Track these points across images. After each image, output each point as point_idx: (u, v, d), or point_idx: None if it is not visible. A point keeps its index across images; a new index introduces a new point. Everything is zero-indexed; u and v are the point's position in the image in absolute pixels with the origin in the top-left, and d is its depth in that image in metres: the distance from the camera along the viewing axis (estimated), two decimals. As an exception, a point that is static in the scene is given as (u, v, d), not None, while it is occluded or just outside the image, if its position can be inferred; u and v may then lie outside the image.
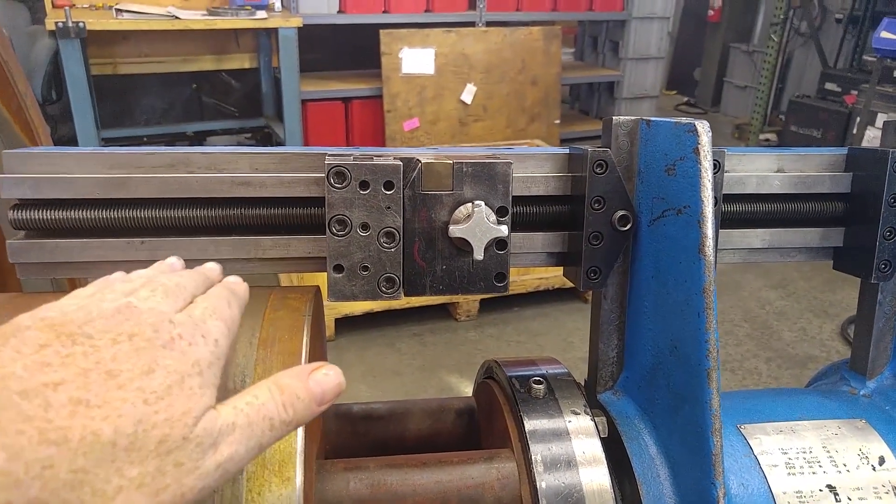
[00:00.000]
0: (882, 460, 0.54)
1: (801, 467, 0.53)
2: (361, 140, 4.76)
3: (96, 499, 0.28)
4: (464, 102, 4.99)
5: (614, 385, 0.59)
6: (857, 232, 0.63)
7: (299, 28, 3.99)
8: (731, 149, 0.63)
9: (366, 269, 0.49)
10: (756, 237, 0.63)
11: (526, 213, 0.58)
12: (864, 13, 5.41)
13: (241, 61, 4.51)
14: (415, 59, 4.68)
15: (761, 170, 0.62)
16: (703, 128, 0.50)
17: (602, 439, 0.51)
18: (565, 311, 3.10)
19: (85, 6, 3.71)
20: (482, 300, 3.00)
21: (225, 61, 4.44)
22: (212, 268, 0.46)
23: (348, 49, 5.12)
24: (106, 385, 0.30)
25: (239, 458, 0.33)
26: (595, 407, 0.57)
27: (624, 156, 0.57)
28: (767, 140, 5.68)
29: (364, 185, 0.48)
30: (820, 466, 0.53)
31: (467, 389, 2.55)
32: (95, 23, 3.26)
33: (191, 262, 0.60)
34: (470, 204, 0.49)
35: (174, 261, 0.46)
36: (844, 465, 0.53)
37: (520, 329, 2.96)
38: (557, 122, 5.43)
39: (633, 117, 0.57)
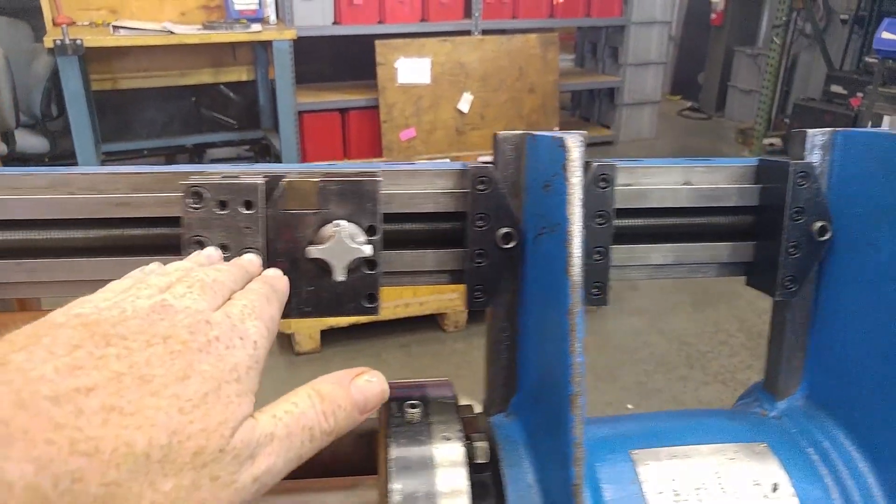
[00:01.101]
0: (776, 487, 0.51)
1: (688, 495, 0.51)
2: (358, 150, 4.77)
3: None
4: (460, 111, 4.99)
5: (507, 407, 0.58)
6: (765, 247, 0.60)
7: (296, 40, 4.02)
8: (637, 161, 0.61)
9: (227, 291, 0.48)
10: (660, 253, 0.61)
11: (417, 231, 0.56)
12: (869, 13, 5.34)
13: (239, 74, 4.56)
14: (410, 69, 4.69)
15: (666, 183, 0.60)
16: (573, 142, 0.49)
17: (478, 465, 0.50)
18: (557, 320, 3.07)
19: (85, 23, 3.77)
20: (472, 311, 2.97)
21: (223, 74, 4.49)
22: (251, 260, 0.44)
23: (346, 60, 5.15)
24: (139, 391, 0.28)
25: (277, 470, 0.32)
26: (484, 430, 0.55)
27: (511, 171, 0.56)
28: (772, 144, 5.61)
29: (222, 204, 0.47)
30: (708, 494, 0.51)
31: (454, 401, 2.53)
32: (93, 40, 3.32)
33: (74, 285, 0.59)
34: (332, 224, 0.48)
35: (212, 251, 0.44)
36: (735, 493, 0.51)
37: (510, 339, 2.93)
38: (556, 129, 5.41)
39: (519, 132, 0.55)
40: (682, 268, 0.63)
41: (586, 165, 0.55)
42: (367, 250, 0.47)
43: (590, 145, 5.29)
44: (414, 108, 4.82)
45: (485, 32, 4.94)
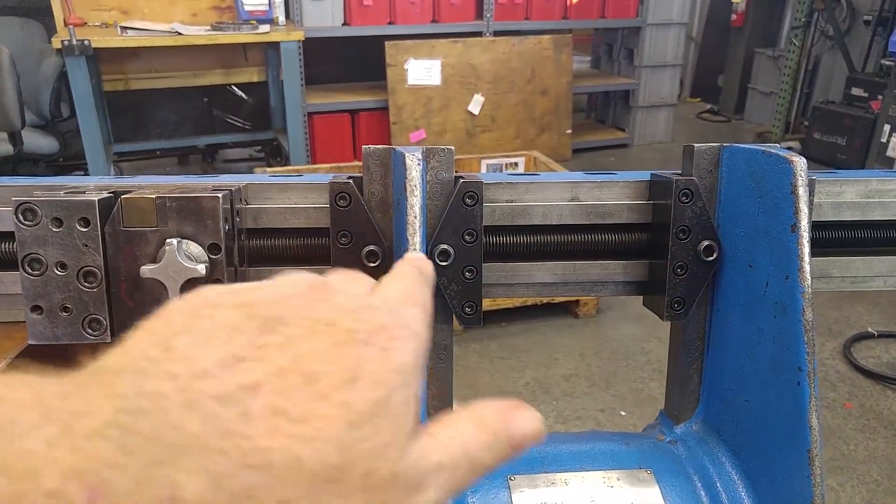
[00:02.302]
0: (640, 519, 0.49)
1: (548, 525, 0.49)
2: (368, 151, 4.79)
3: None
4: (471, 113, 4.97)
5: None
6: (656, 267, 0.58)
7: (306, 41, 4.05)
8: (521, 176, 0.59)
9: (67, 310, 0.47)
10: (547, 271, 0.59)
11: (286, 247, 0.55)
12: (893, 14, 5.17)
13: (251, 75, 4.60)
14: (421, 71, 4.69)
15: (551, 199, 0.58)
16: (412, 160, 0.47)
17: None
18: (554, 326, 3.03)
19: (96, 24, 3.85)
20: (468, 314, 2.95)
21: (234, 75, 4.54)
22: None
23: (356, 61, 5.17)
24: (306, 393, 0.24)
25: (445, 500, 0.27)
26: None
27: (378, 187, 0.54)
28: (790, 148, 5.45)
29: (57, 221, 0.46)
30: (569, 524, 0.49)
31: (442, 406, 2.51)
32: (101, 40, 3.38)
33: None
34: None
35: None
36: (597, 525, 0.49)
37: (504, 345, 2.90)
38: (569, 131, 5.35)
39: (384, 147, 0.54)
40: (574, 286, 0.60)
41: (455, 181, 0.53)
42: (201, 269, 0.46)
43: (604, 148, 5.16)
44: (424, 109, 4.81)
45: (497, 34, 4.91)
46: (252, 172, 3.82)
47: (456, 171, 0.54)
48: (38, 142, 3.38)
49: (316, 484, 0.23)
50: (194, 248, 0.48)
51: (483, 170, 3.98)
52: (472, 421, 0.30)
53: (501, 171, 4.04)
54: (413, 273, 0.34)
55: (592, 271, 0.59)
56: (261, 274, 0.54)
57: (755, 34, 6.62)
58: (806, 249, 0.46)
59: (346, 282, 0.30)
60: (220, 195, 0.48)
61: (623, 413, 2.54)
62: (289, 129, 4.10)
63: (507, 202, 0.57)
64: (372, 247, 0.53)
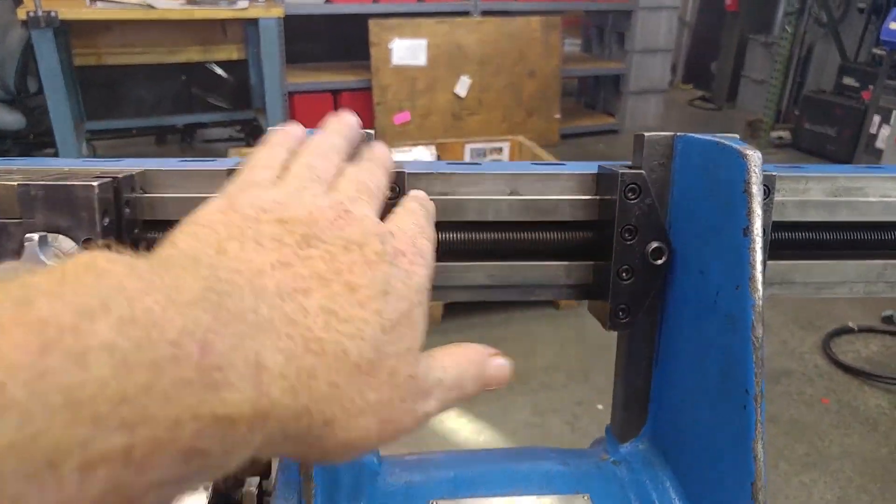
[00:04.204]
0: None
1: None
2: (351, 133, 4.69)
3: (343, 416, 0.27)
4: (458, 95, 4.88)
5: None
6: (600, 270, 0.52)
7: (287, 18, 3.93)
8: (456, 166, 0.53)
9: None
10: (482, 272, 0.53)
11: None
12: (887, 2, 5.10)
13: (230, 52, 4.48)
14: (406, 50, 4.59)
15: (488, 193, 0.52)
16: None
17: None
18: (534, 316, 2.99)
19: (67, -5, 3.70)
20: (447, 304, 2.90)
21: (212, 52, 4.41)
22: (387, 154, 0.42)
23: (339, 40, 5.05)
24: (348, 299, 0.28)
25: (433, 416, 0.32)
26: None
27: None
28: (780, 138, 5.42)
29: None
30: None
31: (416, 395, 2.46)
32: (68, 12, 3.24)
33: None
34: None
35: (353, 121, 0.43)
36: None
37: (485, 335, 2.86)
38: (557, 116, 5.27)
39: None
40: (512, 290, 0.55)
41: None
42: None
43: (594, 134, 5.10)
44: (409, 90, 4.71)
45: (485, 14, 4.80)
46: (227, 153, 3.73)
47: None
48: (4, 118, 3.26)
49: (356, 374, 0.27)
50: (67, 244, 0.42)
51: (467, 154, 3.90)
52: (464, 355, 0.35)
53: (485, 156, 3.96)
54: (421, 209, 0.38)
55: (532, 273, 0.53)
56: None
57: (749, 20, 6.53)
58: (758, 257, 0.40)
59: (366, 205, 0.33)
60: (96, 184, 0.42)
61: (600, 406, 2.51)
62: (267, 109, 4.00)
63: (439, 195, 0.51)
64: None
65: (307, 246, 0.28)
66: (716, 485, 0.44)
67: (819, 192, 0.53)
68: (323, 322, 0.26)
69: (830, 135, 4.96)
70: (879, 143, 4.24)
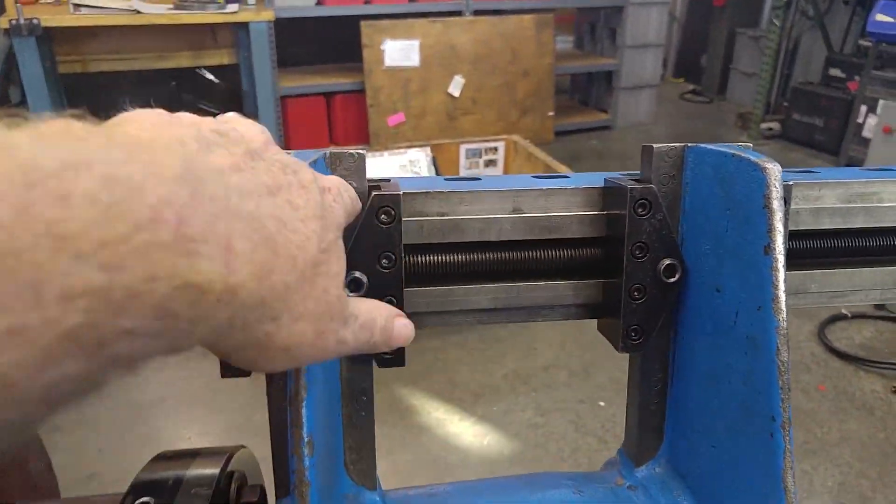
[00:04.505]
0: None
1: None
2: (344, 136, 4.66)
3: (288, 318, 0.29)
4: (451, 95, 4.85)
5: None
6: (611, 288, 0.50)
7: (277, 21, 3.89)
8: (455, 183, 0.51)
9: None
10: (485, 295, 0.51)
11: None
12: (874, -7, 5.10)
13: (221, 57, 4.43)
14: (398, 52, 4.55)
15: (489, 211, 0.50)
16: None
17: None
18: (533, 315, 2.97)
19: (48, 1, 3.64)
20: (444, 304, 2.87)
21: (202, 58, 4.36)
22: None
23: (331, 42, 5.01)
24: (292, 215, 0.29)
25: (348, 350, 0.34)
26: None
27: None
28: (770, 129, 5.42)
29: None
30: None
31: (417, 402, 2.44)
32: (51, 19, 3.19)
33: None
34: None
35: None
36: None
37: (484, 336, 2.83)
38: (551, 114, 5.25)
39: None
40: (518, 312, 0.52)
41: (368, 193, 0.45)
42: None
43: (587, 130, 5.08)
44: (402, 91, 4.68)
45: (477, 13, 4.77)
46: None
47: (369, 181, 0.45)
48: (-9, 129, 3.20)
49: (301, 280, 0.29)
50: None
51: (462, 155, 3.88)
52: (375, 306, 0.37)
53: (481, 156, 3.94)
54: (339, 184, 0.38)
55: (538, 294, 0.51)
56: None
57: (737, 13, 6.53)
58: (781, 276, 0.38)
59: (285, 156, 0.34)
60: None
61: (602, 403, 2.50)
62: (260, 113, 3.96)
63: (437, 215, 0.49)
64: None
65: (251, 159, 0.29)
66: (741, 515, 0.42)
67: (833, 198, 0.51)
68: (275, 227, 0.28)
69: (819, 125, 4.96)
70: (867, 133, 4.24)
